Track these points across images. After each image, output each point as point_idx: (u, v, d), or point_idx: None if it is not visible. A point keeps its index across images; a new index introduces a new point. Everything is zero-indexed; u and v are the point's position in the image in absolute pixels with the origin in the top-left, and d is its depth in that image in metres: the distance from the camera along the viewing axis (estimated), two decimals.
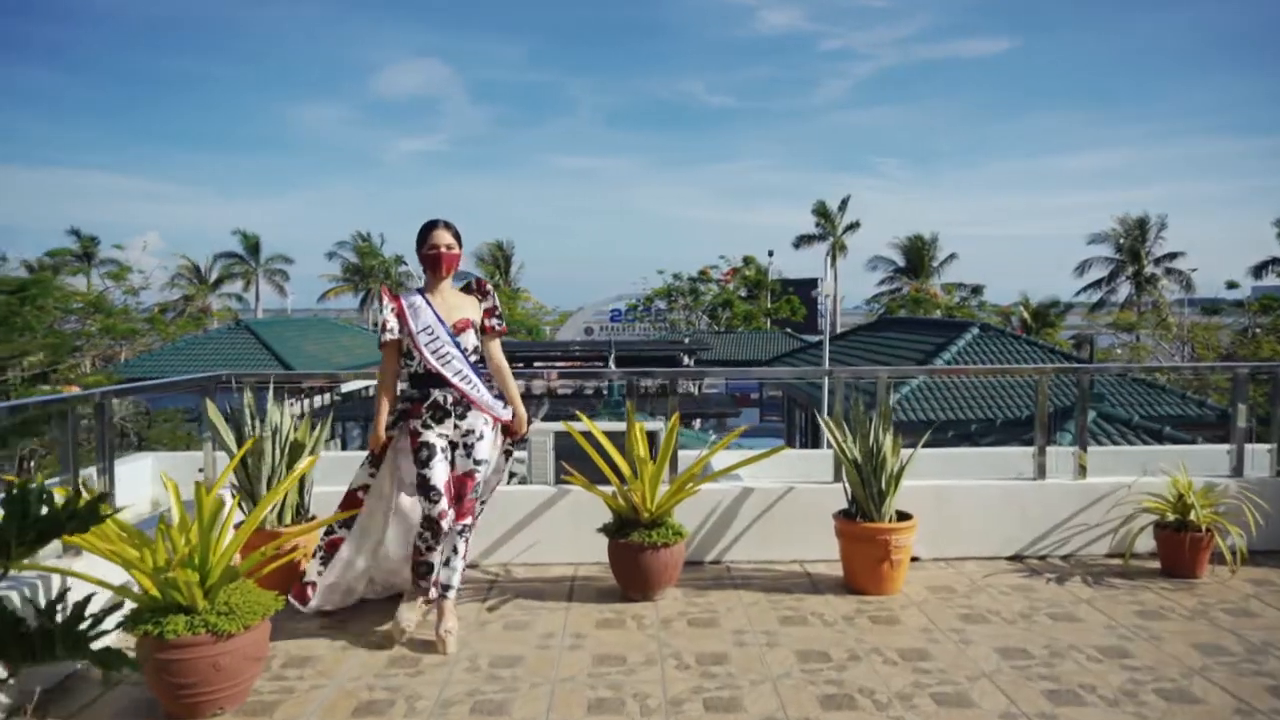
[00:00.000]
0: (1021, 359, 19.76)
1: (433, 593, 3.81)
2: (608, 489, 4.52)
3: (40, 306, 19.10)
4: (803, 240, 50.54)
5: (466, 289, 4.05)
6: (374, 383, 3.91)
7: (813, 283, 45.04)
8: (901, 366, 19.05)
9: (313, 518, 4.38)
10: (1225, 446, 5.42)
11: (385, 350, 3.84)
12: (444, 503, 3.68)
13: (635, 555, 4.26)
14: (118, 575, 3.29)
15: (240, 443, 4.29)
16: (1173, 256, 44.15)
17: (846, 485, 4.55)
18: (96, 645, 1.77)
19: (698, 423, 25.47)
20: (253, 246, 49.52)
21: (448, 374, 3.76)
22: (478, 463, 3.83)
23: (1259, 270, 39.68)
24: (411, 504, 3.95)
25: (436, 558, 3.74)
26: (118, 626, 2.16)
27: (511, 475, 6.23)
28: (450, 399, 3.79)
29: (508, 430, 4.05)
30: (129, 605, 3.15)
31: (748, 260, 49.60)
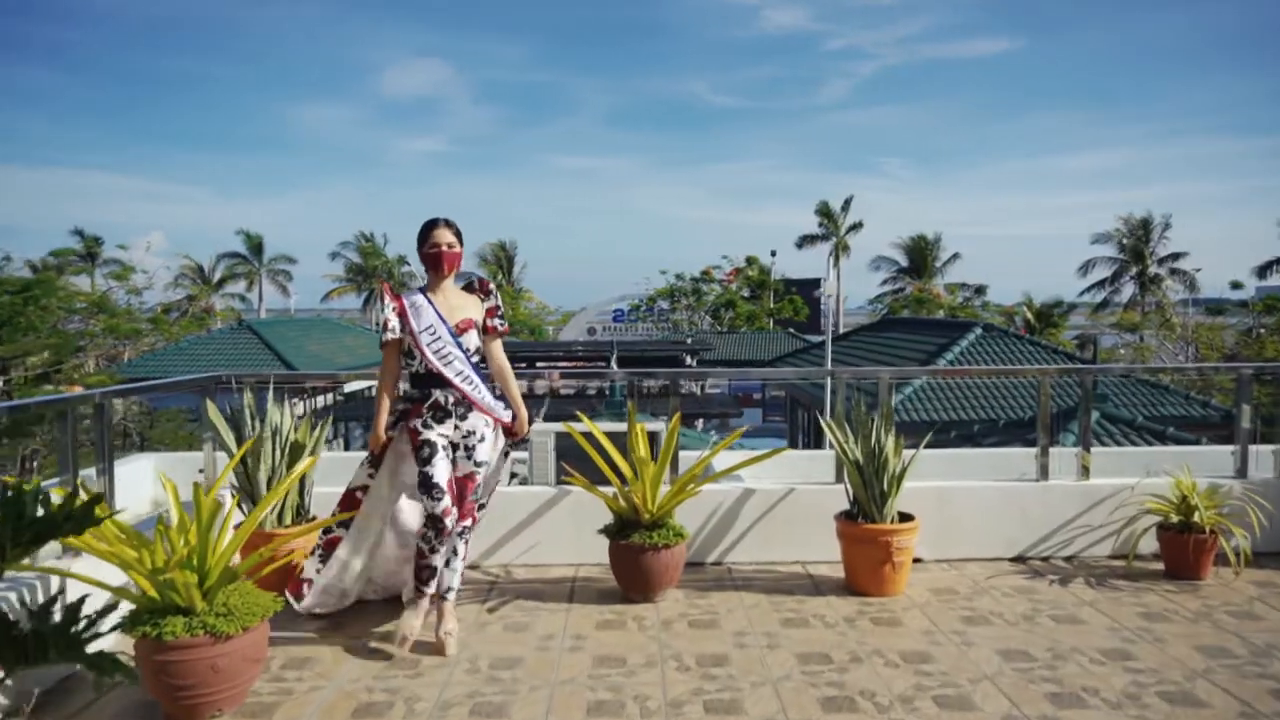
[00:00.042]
0: (1025, 359, 19.72)
1: (428, 589, 3.77)
2: (608, 490, 4.51)
3: (44, 306, 19.16)
4: (806, 240, 50.49)
5: (468, 288, 4.02)
6: (376, 383, 3.89)
7: (816, 283, 44.98)
8: (903, 367, 19.02)
9: (313, 518, 4.37)
10: (1229, 447, 5.40)
11: (386, 350, 3.81)
12: (447, 500, 3.64)
13: (636, 556, 4.24)
14: (117, 576, 3.28)
15: (240, 443, 4.29)
16: (1176, 257, 44.04)
17: (848, 486, 4.53)
18: (91, 648, 1.76)
19: (700, 423, 25.44)
20: (256, 247, 49.57)
21: (449, 374, 3.73)
22: (478, 464, 3.81)
23: (1263, 270, 39.59)
24: (410, 506, 3.92)
25: (439, 560, 3.68)
26: (114, 628, 2.14)
27: (513, 476, 6.23)
28: (451, 399, 3.76)
29: (509, 431, 4.02)
30: (127, 606, 3.14)
31: (750, 260, 49.56)
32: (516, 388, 4.05)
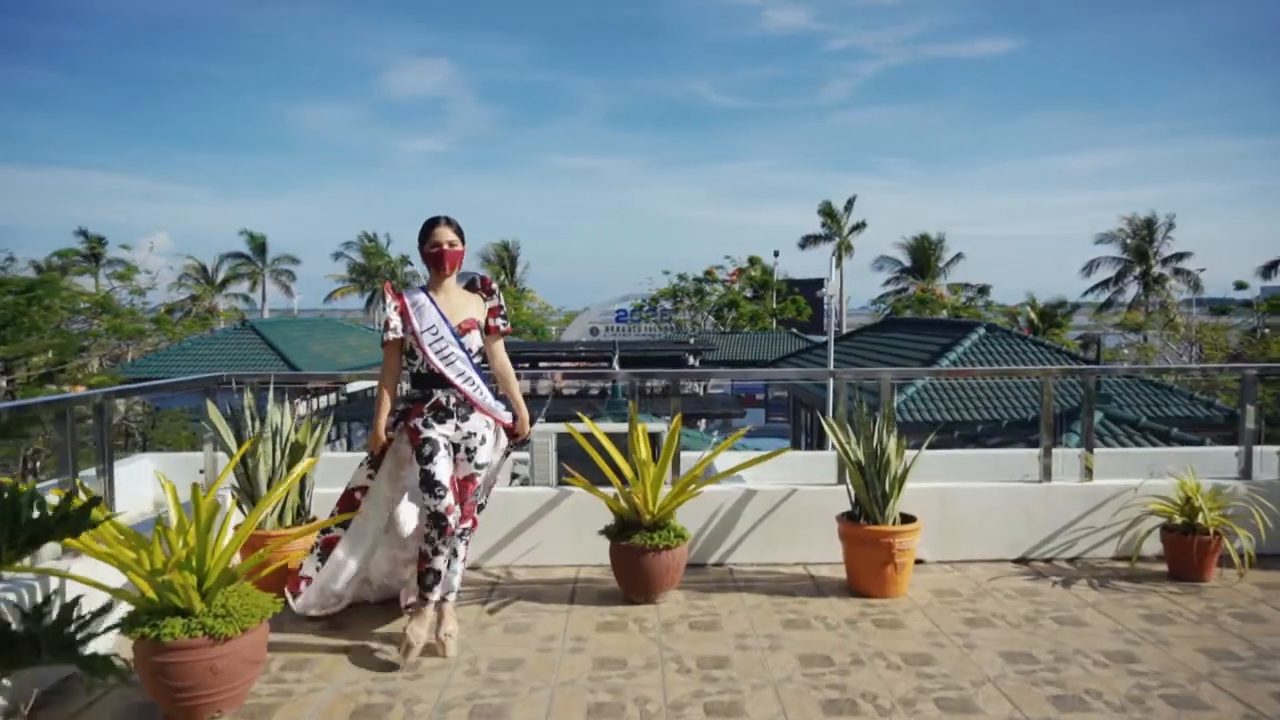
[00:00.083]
0: (1028, 359, 19.68)
1: (435, 594, 3.73)
2: (609, 491, 4.50)
3: (47, 307, 19.19)
4: (808, 240, 50.47)
5: (470, 286, 3.98)
6: (377, 383, 3.87)
7: (819, 283, 44.90)
8: (906, 367, 18.99)
9: (313, 519, 4.36)
10: (1233, 448, 5.38)
11: (387, 349, 3.78)
12: (450, 498, 3.60)
13: (637, 558, 4.23)
14: (116, 578, 3.27)
15: (241, 444, 4.28)
16: (1180, 257, 43.96)
17: (850, 487, 4.51)
18: (90, 650, 1.75)
19: (702, 423, 25.41)
20: (259, 247, 49.64)
21: (450, 375, 3.70)
22: (479, 467, 3.79)
23: (1268, 270, 39.49)
24: (410, 507, 3.90)
25: (442, 563, 3.62)
26: (108, 629, 2.13)
27: (514, 476, 6.21)
28: (453, 400, 3.73)
29: (510, 432, 4.00)
30: (126, 608, 3.13)
31: (753, 261, 49.51)
32: (518, 388, 4.03)
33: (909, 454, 4.49)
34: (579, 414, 5.41)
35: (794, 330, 43.36)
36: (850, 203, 49.42)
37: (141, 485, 5.54)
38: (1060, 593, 4.40)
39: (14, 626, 1.68)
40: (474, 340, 3.82)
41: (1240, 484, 5.02)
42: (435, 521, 3.59)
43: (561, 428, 5.72)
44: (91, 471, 3.96)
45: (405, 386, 3.91)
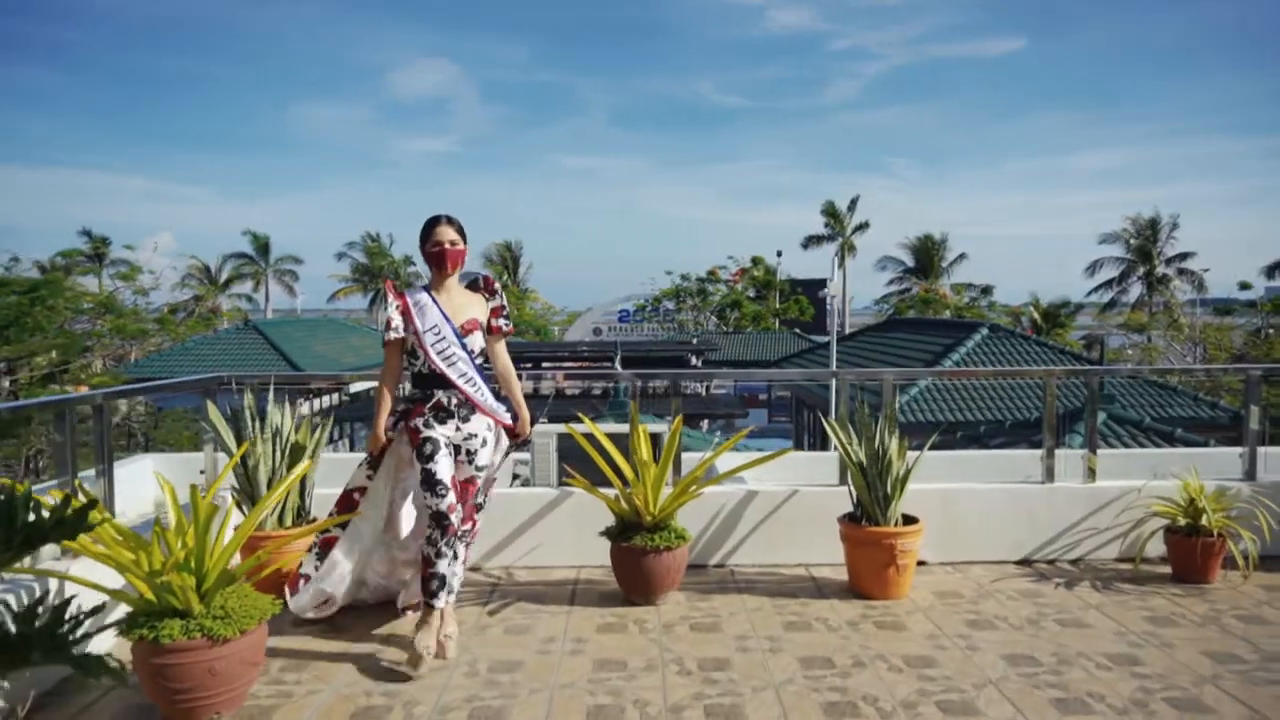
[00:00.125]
0: (1031, 360, 19.64)
1: (440, 600, 3.65)
2: (610, 492, 4.48)
3: (51, 307, 19.22)
4: (811, 240, 50.42)
5: (472, 286, 3.95)
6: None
7: (821, 283, 44.80)
8: (908, 368, 18.96)
9: (314, 519, 4.35)
10: (1238, 449, 5.35)
11: (388, 349, 3.74)
12: (451, 496, 3.58)
13: (638, 559, 4.21)
14: (115, 579, 3.27)
15: (241, 444, 4.27)
16: (1184, 257, 43.88)
17: (852, 488, 4.50)
18: (78, 650, 1.74)
19: (705, 424, 25.39)
20: (262, 247, 49.69)
21: (452, 375, 3.67)
22: (479, 469, 3.77)
23: (1271, 270, 39.39)
24: (409, 509, 3.89)
25: (446, 567, 3.58)
26: (101, 629, 2.12)
27: (514, 477, 6.20)
28: (454, 401, 3.71)
29: (511, 433, 3.97)
30: (123, 609, 3.12)
31: (756, 261, 49.47)
32: (519, 390, 4.00)
33: (911, 455, 4.47)
34: (580, 414, 5.40)
35: (797, 330, 43.33)
36: (853, 203, 49.39)
37: (143, 486, 5.54)
38: (1063, 594, 4.38)
39: (7, 627, 1.67)
40: (476, 341, 3.80)
41: (1244, 485, 5.00)
42: (437, 521, 3.56)
43: (562, 428, 5.71)
44: (91, 472, 3.96)
45: (406, 387, 3.89)
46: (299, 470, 4.05)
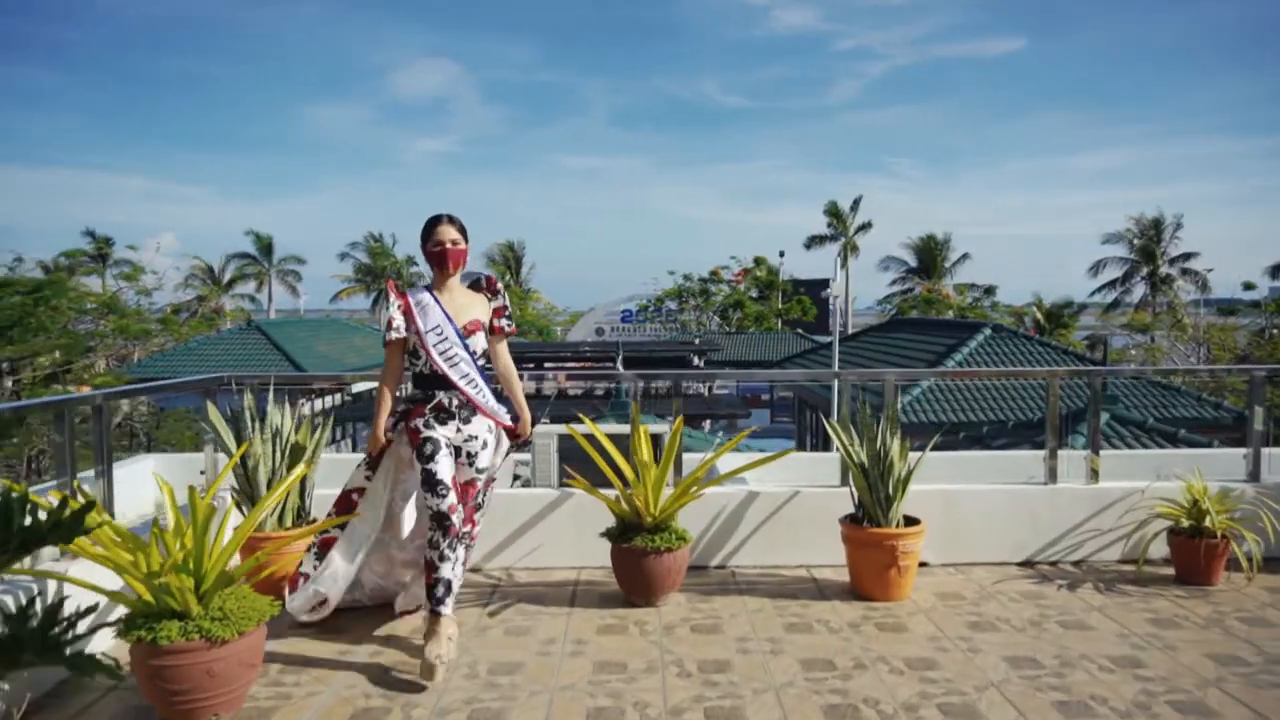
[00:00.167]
0: (1034, 360, 19.60)
1: (447, 607, 3.59)
2: (611, 493, 4.47)
3: (54, 307, 19.24)
4: (814, 241, 50.40)
5: (475, 286, 3.92)
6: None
7: (824, 283, 44.78)
8: (910, 369, 18.93)
9: (314, 520, 4.34)
10: (1241, 450, 5.33)
11: (390, 349, 3.71)
12: (452, 496, 3.55)
13: (638, 560, 4.20)
14: (113, 580, 3.26)
15: (241, 445, 4.26)
16: (1188, 257, 43.80)
17: (853, 489, 4.48)
18: (71, 651, 1.73)
19: (707, 424, 25.39)
20: (265, 247, 49.75)
21: (454, 377, 3.64)
22: (479, 471, 3.75)
23: (1275, 270, 39.31)
24: (408, 511, 3.86)
25: (450, 572, 3.53)
26: (95, 629, 2.11)
27: (515, 478, 6.19)
28: (455, 402, 3.68)
29: (512, 434, 3.95)
30: (120, 610, 3.12)
31: (759, 261, 49.45)
32: (521, 391, 3.98)
33: (913, 456, 4.45)
34: (581, 415, 5.38)
35: (799, 331, 43.29)
36: (856, 203, 49.36)
37: (144, 486, 5.53)
38: (1065, 596, 4.36)
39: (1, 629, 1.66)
40: (478, 342, 3.77)
41: (1248, 486, 4.97)
42: (439, 522, 3.52)
43: (563, 429, 5.70)
44: (91, 473, 3.95)
45: (406, 387, 3.87)
46: (297, 472, 4.04)
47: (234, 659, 3.03)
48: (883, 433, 4.39)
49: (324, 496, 4.45)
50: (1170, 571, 4.67)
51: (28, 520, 2.17)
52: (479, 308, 3.82)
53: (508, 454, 4.09)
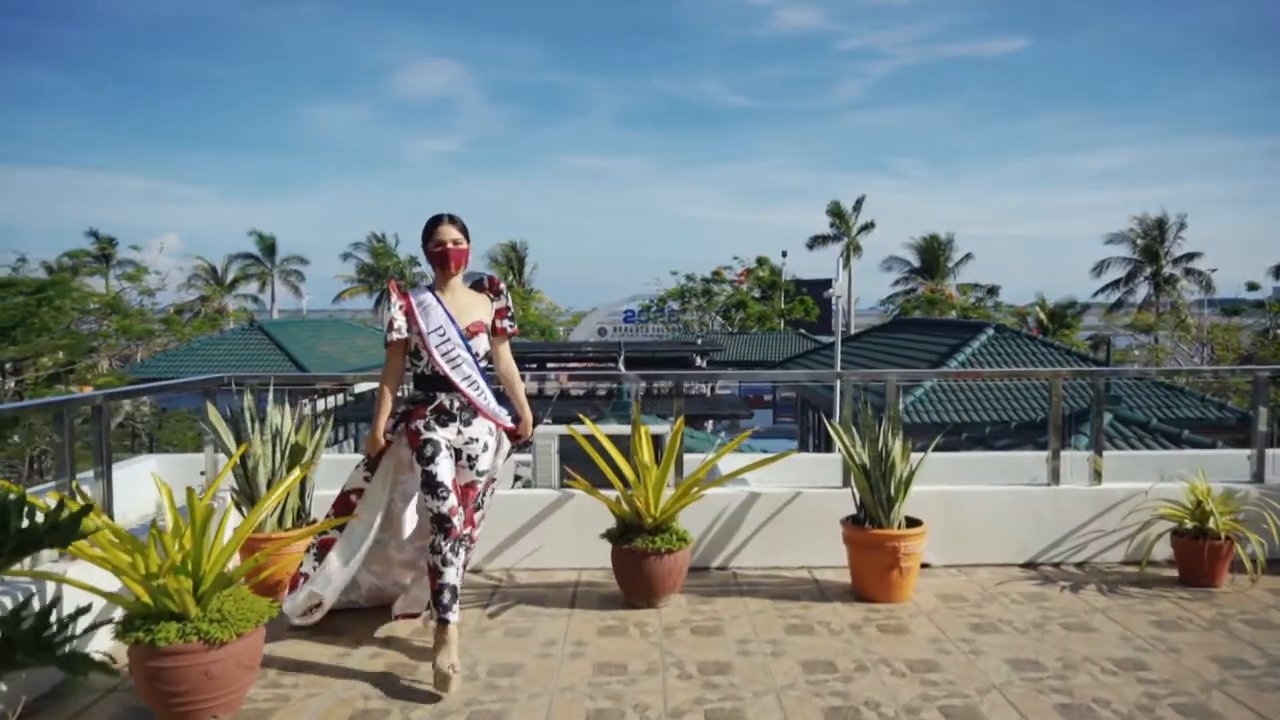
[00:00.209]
0: (1037, 360, 19.56)
1: (454, 615, 3.52)
2: (611, 494, 4.46)
3: (58, 307, 19.25)
4: (817, 241, 50.33)
5: (477, 286, 3.88)
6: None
7: (827, 283, 44.70)
8: (911, 369, 18.90)
9: (314, 521, 4.33)
10: (1246, 451, 5.30)
11: (391, 349, 3.66)
12: (453, 498, 3.51)
13: (639, 561, 4.19)
14: (111, 582, 3.25)
15: (241, 446, 4.25)
16: (1191, 257, 43.70)
17: (855, 490, 4.46)
18: (63, 652, 1.72)
19: (710, 424, 25.37)
20: (268, 247, 49.80)
21: (456, 378, 3.60)
22: (479, 474, 3.72)
23: (1279, 270, 39.18)
24: (409, 513, 3.82)
25: (454, 576, 3.47)
26: (89, 629, 2.10)
27: (516, 478, 6.17)
28: (457, 404, 3.64)
29: (512, 435, 3.92)
30: (115, 611, 3.11)
31: (761, 261, 49.43)
32: (523, 393, 3.95)
33: (915, 456, 4.44)
34: (581, 415, 5.37)
35: (802, 331, 43.28)
36: (859, 203, 49.29)
37: (145, 486, 5.52)
38: (1068, 598, 4.34)
39: None
40: (481, 344, 3.72)
41: (1252, 488, 4.95)
42: (439, 524, 3.48)
43: (564, 429, 5.69)
44: (91, 474, 3.94)
45: (407, 388, 3.84)
46: (296, 474, 4.02)
47: (232, 661, 3.02)
48: (884, 434, 4.37)
49: (324, 497, 4.43)
50: (1174, 573, 4.64)
51: (25, 522, 2.16)
52: (482, 308, 3.79)
53: (509, 455, 4.06)
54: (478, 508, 3.86)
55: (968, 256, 49.55)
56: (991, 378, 18.29)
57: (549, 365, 26.88)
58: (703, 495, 4.51)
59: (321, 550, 3.85)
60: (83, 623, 1.99)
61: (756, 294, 48.60)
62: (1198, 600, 4.29)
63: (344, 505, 3.82)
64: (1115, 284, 44.55)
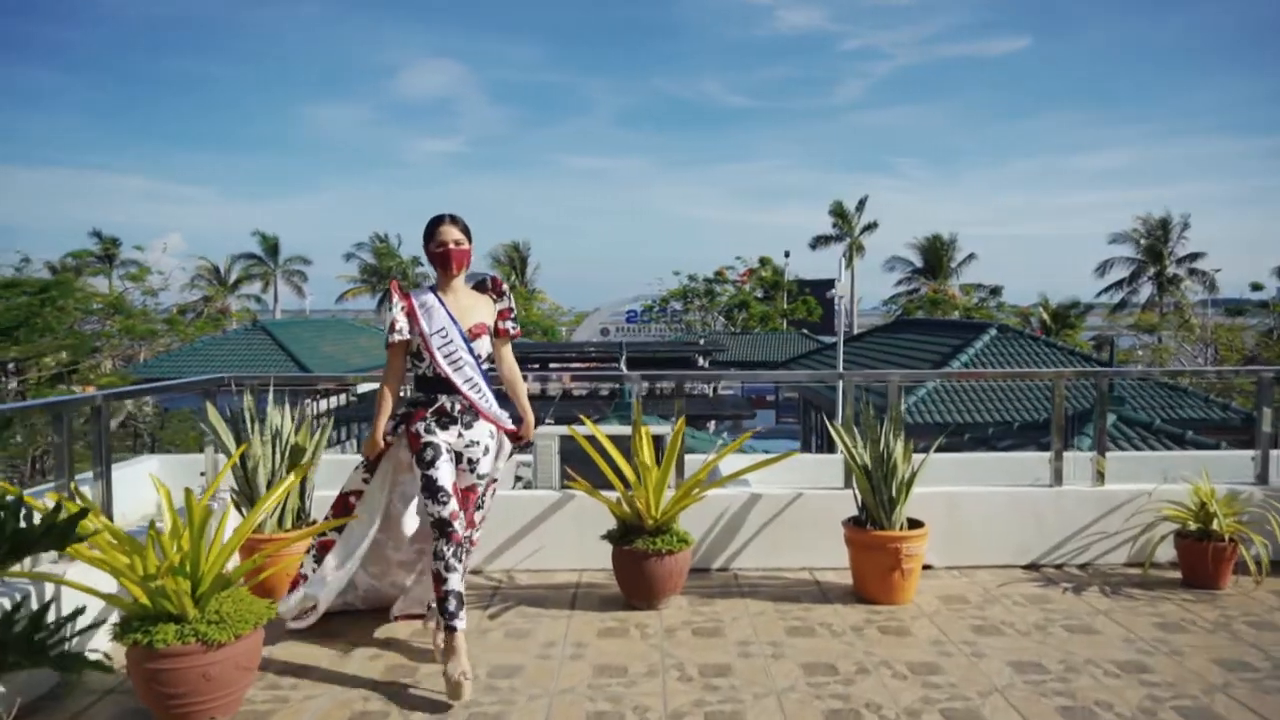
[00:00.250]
0: (1040, 361, 19.52)
1: (462, 621, 3.46)
2: (612, 495, 4.44)
3: (61, 308, 19.29)
4: (819, 241, 50.29)
5: (479, 287, 3.85)
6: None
7: (830, 283, 44.57)
8: (914, 370, 18.86)
9: (314, 522, 4.32)
10: (1250, 452, 5.28)
11: (392, 351, 3.62)
12: (454, 503, 3.48)
13: (639, 563, 4.17)
14: (110, 583, 3.24)
15: (241, 446, 4.24)
16: (1195, 257, 43.59)
17: (856, 492, 4.45)
18: (56, 653, 1.71)
19: (712, 425, 25.35)
20: (271, 248, 49.87)
21: (457, 381, 3.56)
22: (480, 477, 3.69)
23: None
24: (409, 515, 3.79)
25: (459, 582, 3.42)
26: (82, 631, 2.09)
27: (516, 479, 6.16)
28: (458, 407, 3.60)
29: (514, 436, 3.90)
30: (111, 613, 3.10)
31: (764, 261, 49.39)
32: (525, 395, 3.93)
33: (916, 457, 4.42)
34: (582, 416, 5.36)
35: (804, 331, 43.24)
36: (862, 203, 49.25)
37: (146, 487, 5.50)
38: (1071, 600, 4.32)
39: None
40: (484, 346, 3.69)
41: (1256, 489, 4.92)
42: (441, 529, 3.44)
43: (564, 430, 5.67)
44: (90, 474, 3.94)
45: (407, 390, 3.81)
46: (294, 475, 4.01)
47: (230, 662, 3.01)
48: (886, 434, 4.36)
49: (324, 498, 4.42)
50: (1177, 575, 4.62)
51: (21, 524, 2.15)
52: (484, 310, 3.75)
53: (510, 456, 4.04)
54: (478, 508, 3.83)
55: (971, 257, 49.51)
56: (994, 378, 18.25)
57: (551, 365, 26.86)
58: (704, 496, 4.49)
59: (321, 552, 3.83)
60: (79, 624, 1.98)
61: (759, 294, 48.55)
62: (1201, 602, 4.27)
63: (343, 507, 3.79)
64: (1119, 284, 44.46)
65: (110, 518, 3.83)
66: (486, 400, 3.65)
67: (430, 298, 3.63)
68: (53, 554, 3.49)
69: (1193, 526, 4.53)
